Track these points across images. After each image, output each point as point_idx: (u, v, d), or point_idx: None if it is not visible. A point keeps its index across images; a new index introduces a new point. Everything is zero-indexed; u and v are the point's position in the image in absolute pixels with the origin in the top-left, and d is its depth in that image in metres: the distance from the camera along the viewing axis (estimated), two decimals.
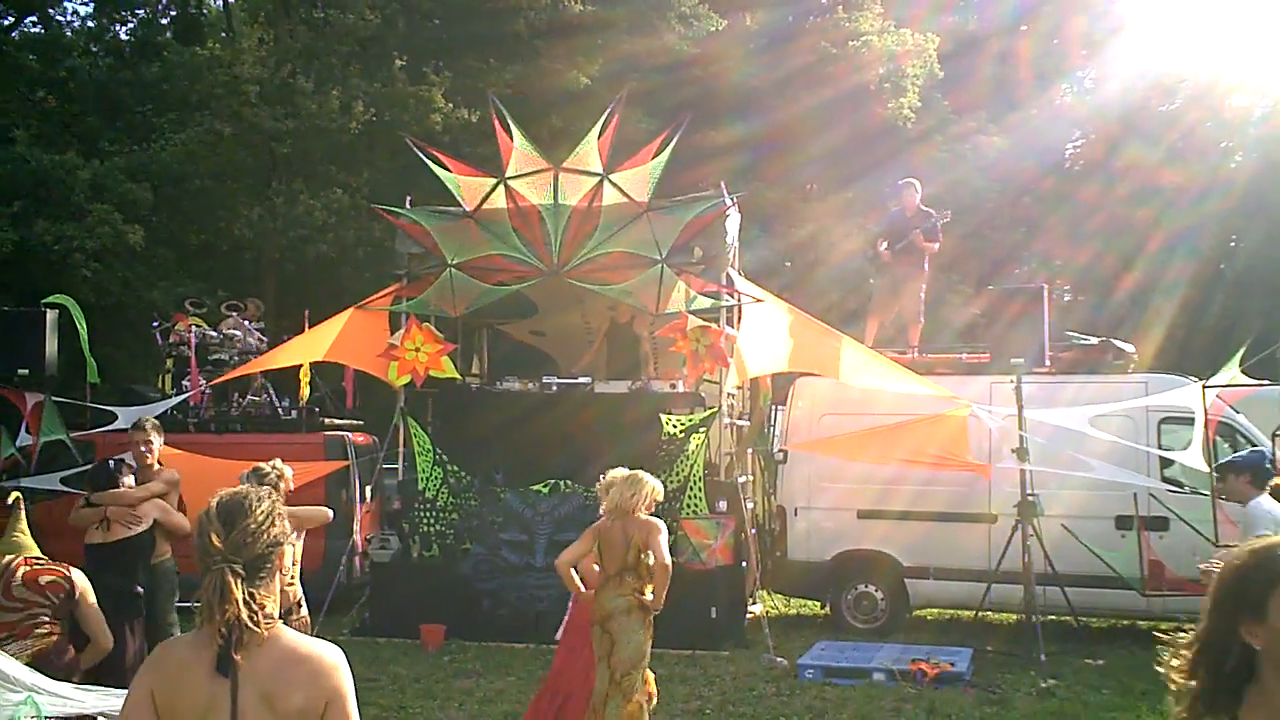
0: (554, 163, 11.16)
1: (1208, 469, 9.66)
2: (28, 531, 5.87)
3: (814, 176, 22.64)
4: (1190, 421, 9.79)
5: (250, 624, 2.60)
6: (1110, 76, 24.91)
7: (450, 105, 19.21)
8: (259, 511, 2.71)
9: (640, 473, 6.50)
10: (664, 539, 6.25)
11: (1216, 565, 6.75)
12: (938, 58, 22.29)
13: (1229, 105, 24.15)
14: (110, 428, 11.14)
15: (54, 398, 11.55)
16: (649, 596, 6.24)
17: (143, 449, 8.00)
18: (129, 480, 7.84)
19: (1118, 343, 11.50)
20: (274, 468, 6.70)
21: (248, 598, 2.62)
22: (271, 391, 13.39)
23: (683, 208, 11.17)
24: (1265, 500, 6.60)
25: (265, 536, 2.69)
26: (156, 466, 8.01)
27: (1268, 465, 6.92)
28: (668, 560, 6.18)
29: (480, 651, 10.21)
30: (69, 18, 23.68)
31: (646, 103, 19.63)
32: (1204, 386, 9.89)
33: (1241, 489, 6.79)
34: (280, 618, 2.86)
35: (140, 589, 7.17)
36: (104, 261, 18.12)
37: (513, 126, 11.10)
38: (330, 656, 2.70)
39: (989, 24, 25.63)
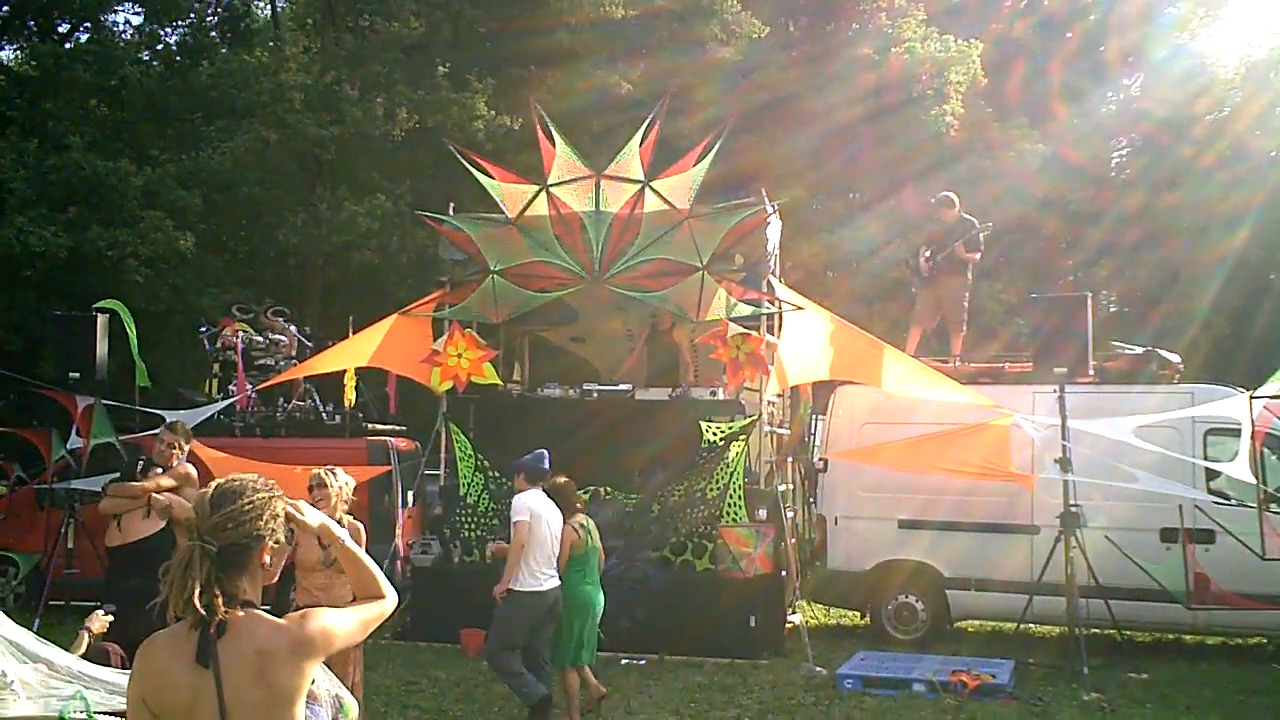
0: (596, 170, 11.23)
1: (1255, 481, 9.54)
2: None
3: (857, 185, 22.55)
4: (1237, 433, 9.66)
5: (200, 606, 2.61)
6: (1157, 85, 24.63)
7: (493, 112, 19.33)
8: (246, 501, 2.75)
9: None
10: None
11: (499, 547, 7.20)
12: (982, 66, 22.12)
13: (1278, 113, 23.79)
14: (156, 431, 11.32)
15: (104, 401, 11.75)
16: None
17: (163, 449, 8.19)
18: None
19: (1163, 353, 11.36)
20: (327, 473, 6.93)
21: (211, 580, 2.65)
22: (316, 396, 13.54)
23: (724, 215, 11.19)
24: (526, 494, 7.87)
25: (247, 526, 2.72)
26: (177, 467, 8.20)
27: (543, 467, 8.06)
28: None
29: None
30: (121, 27, 24.04)
31: (689, 111, 19.68)
32: (1251, 397, 9.75)
33: (519, 485, 8.02)
34: None
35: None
36: (155, 267, 18.38)
37: (555, 133, 11.17)
38: (306, 624, 2.74)
39: (1034, 32, 25.44)
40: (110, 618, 5.40)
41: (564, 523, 8.08)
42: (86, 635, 5.36)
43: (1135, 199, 23.13)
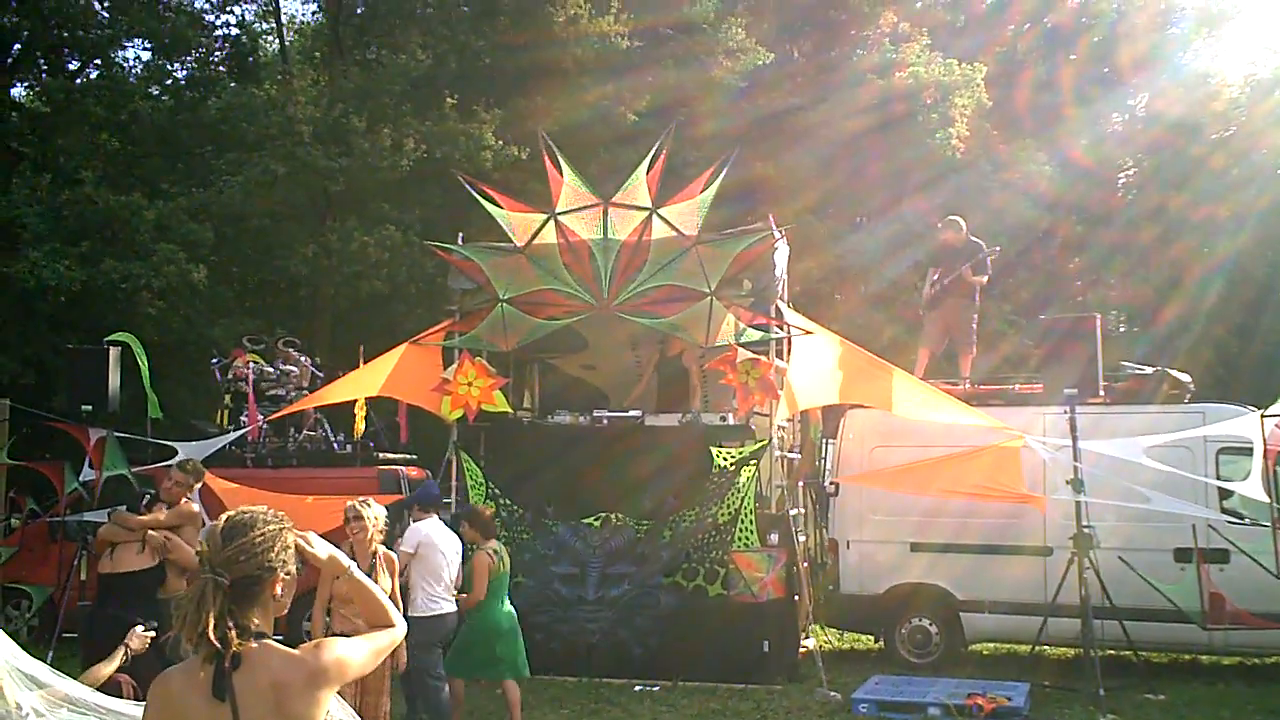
0: (603, 198, 11.29)
1: (1268, 499, 9.52)
2: None
3: (862, 198, 22.59)
4: (1249, 451, 9.65)
5: (215, 639, 2.63)
6: (1162, 102, 24.69)
7: (500, 142, 19.44)
8: (258, 533, 2.76)
9: None
10: None
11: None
12: (986, 85, 22.23)
13: None
14: (170, 463, 11.36)
15: (116, 433, 11.80)
16: None
17: (171, 487, 8.26)
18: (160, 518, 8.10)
19: (1174, 373, 11.36)
20: (362, 505, 7.07)
21: (224, 613, 2.66)
22: (327, 426, 13.56)
23: (731, 241, 11.24)
24: (424, 523, 8.36)
25: (258, 558, 2.74)
26: (180, 506, 8.26)
27: (434, 493, 8.74)
28: None
29: (532, 685, 10.20)
30: (131, 63, 24.22)
31: (694, 135, 19.80)
32: (1263, 416, 9.74)
33: (417, 515, 8.52)
34: None
35: (141, 621, 7.30)
36: (168, 299, 18.47)
37: (563, 162, 11.24)
38: (320, 655, 2.76)
39: (1036, 49, 25.54)
40: (150, 634, 5.41)
41: (479, 549, 8.32)
42: (124, 651, 5.37)
43: (1140, 212, 23.19)
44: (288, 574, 2.83)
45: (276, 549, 2.79)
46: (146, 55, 23.67)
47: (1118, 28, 24.83)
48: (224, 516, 2.84)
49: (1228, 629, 10.09)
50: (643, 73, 21.61)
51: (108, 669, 5.32)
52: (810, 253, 18.75)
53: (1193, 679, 10.48)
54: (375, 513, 7.29)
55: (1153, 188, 23.75)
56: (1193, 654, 11.05)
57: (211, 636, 2.63)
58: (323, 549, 2.99)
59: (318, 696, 2.73)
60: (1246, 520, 10.16)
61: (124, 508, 8.52)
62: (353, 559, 6.69)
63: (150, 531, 7.93)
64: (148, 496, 8.42)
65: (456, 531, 8.63)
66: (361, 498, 7.41)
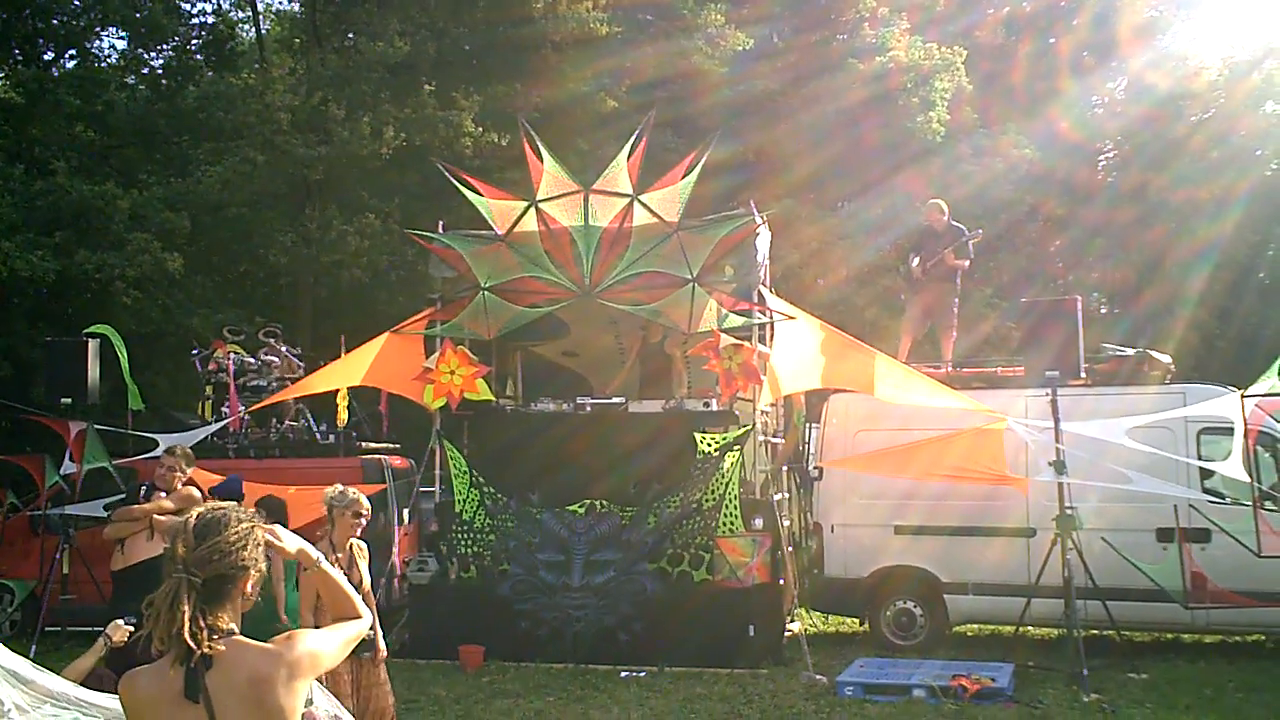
0: (584, 185, 11.25)
1: (1249, 479, 9.58)
2: None
3: (842, 188, 22.59)
4: (1230, 431, 9.71)
5: (190, 640, 2.61)
6: (1142, 85, 24.76)
7: (480, 129, 19.35)
8: (231, 532, 2.75)
9: None
10: None
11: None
12: (965, 68, 22.24)
13: (1264, 113, 24.00)
14: (152, 454, 11.30)
15: (96, 426, 11.73)
16: None
17: (164, 472, 8.24)
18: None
19: (1154, 354, 11.41)
20: (341, 493, 6.88)
21: (197, 613, 2.65)
22: (309, 416, 13.51)
23: (713, 227, 11.22)
24: None
25: (232, 557, 2.72)
26: (180, 489, 8.25)
27: (233, 488, 8.39)
28: None
29: (519, 672, 10.25)
30: (106, 52, 23.97)
31: (674, 121, 19.77)
32: (1243, 396, 9.79)
33: None
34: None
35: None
36: (144, 289, 18.33)
37: (543, 149, 11.20)
38: (294, 646, 2.75)
39: (1017, 32, 25.59)
40: (130, 627, 5.38)
41: None
42: (105, 643, 5.34)
43: (1120, 194, 23.29)
44: (258, 571, 2.83)
45: (249, 547, 2.78)
46: (122, 44, 23.49)
47: (1098, 9, 24.89)
48: (194, 513, 2.81)
49: (1209, 608, 10.15)
50: (622, 58, 21.55)
51: (88, 661, 5.29)
52: (792, 234, 18.76)
53: (1175, 657, 10.56)
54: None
55: (1133, 169, 23.85)
56: (1175, 633, 11.13)
57: (186, 637, 2.61)
58: (291, 543, 3.00)
59: (294, 688, 2.72)
60: (1227, 500, 10.23)
61: (123, 497, 8.50)
62: (334, 551, 6.60)
63: (156, 516, 7.91)
64: (145, 486, 8.38)
65: None
66: (337, 487, 7.10)
